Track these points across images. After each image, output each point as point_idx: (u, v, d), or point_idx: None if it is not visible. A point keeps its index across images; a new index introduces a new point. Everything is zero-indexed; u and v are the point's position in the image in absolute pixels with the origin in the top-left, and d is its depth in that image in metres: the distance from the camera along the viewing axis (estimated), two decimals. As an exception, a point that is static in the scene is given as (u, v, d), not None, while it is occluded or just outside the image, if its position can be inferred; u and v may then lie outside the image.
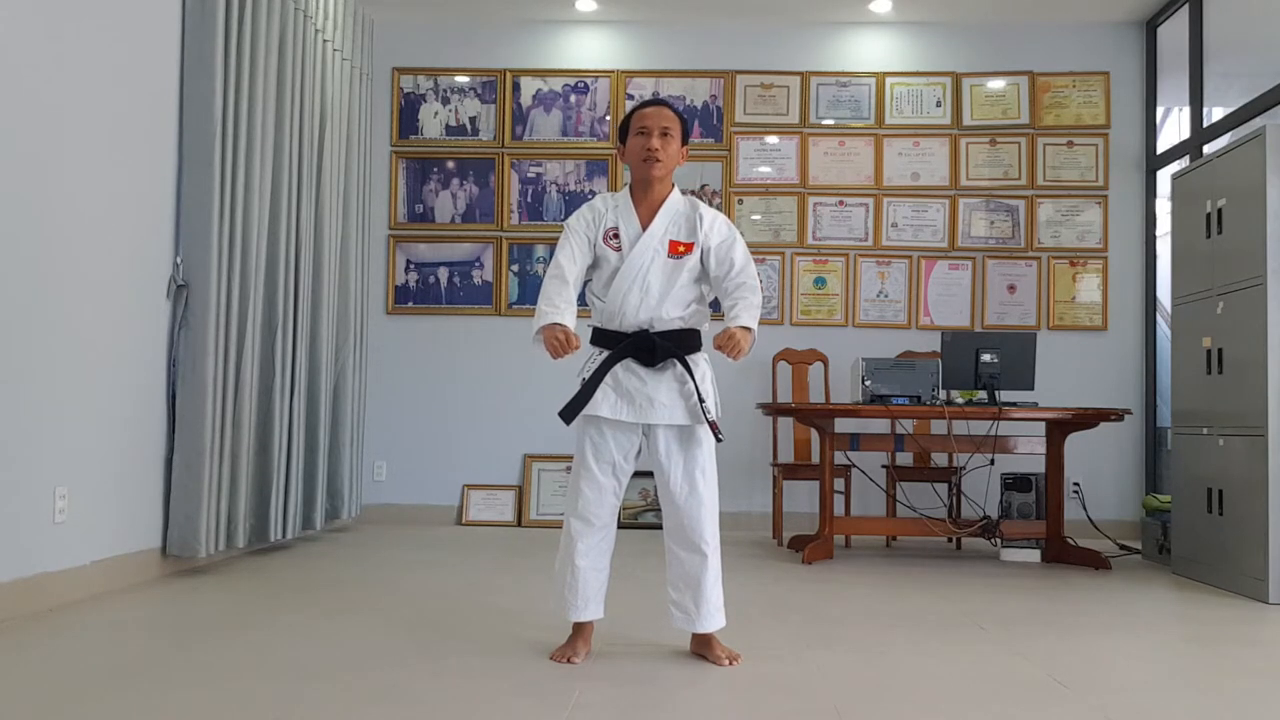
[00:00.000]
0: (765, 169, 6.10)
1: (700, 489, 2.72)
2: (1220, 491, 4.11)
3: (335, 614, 3.31)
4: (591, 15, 6.10)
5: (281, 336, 4.63)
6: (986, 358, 4.71)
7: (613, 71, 6.15)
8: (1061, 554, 4.73)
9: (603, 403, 2.68)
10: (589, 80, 6.16)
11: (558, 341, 2.59)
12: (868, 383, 4.74)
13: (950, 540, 5.31)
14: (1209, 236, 4.27)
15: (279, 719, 2.20)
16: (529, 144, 6.15)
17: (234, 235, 4.20)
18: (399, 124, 6.17)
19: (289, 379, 4.74)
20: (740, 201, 6.08)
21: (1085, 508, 5.39)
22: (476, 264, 6.11)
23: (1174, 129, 6.20)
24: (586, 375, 2.71)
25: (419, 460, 6.03)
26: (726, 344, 2.62)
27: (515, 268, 6.09)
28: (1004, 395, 4.78)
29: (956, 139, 6.06)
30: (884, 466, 5.43)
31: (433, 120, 6.18)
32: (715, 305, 2.81)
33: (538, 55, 6.19)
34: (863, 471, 5.35)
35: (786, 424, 5.73)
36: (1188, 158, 5.48)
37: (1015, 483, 5.20)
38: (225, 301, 4.15)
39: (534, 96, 6.16)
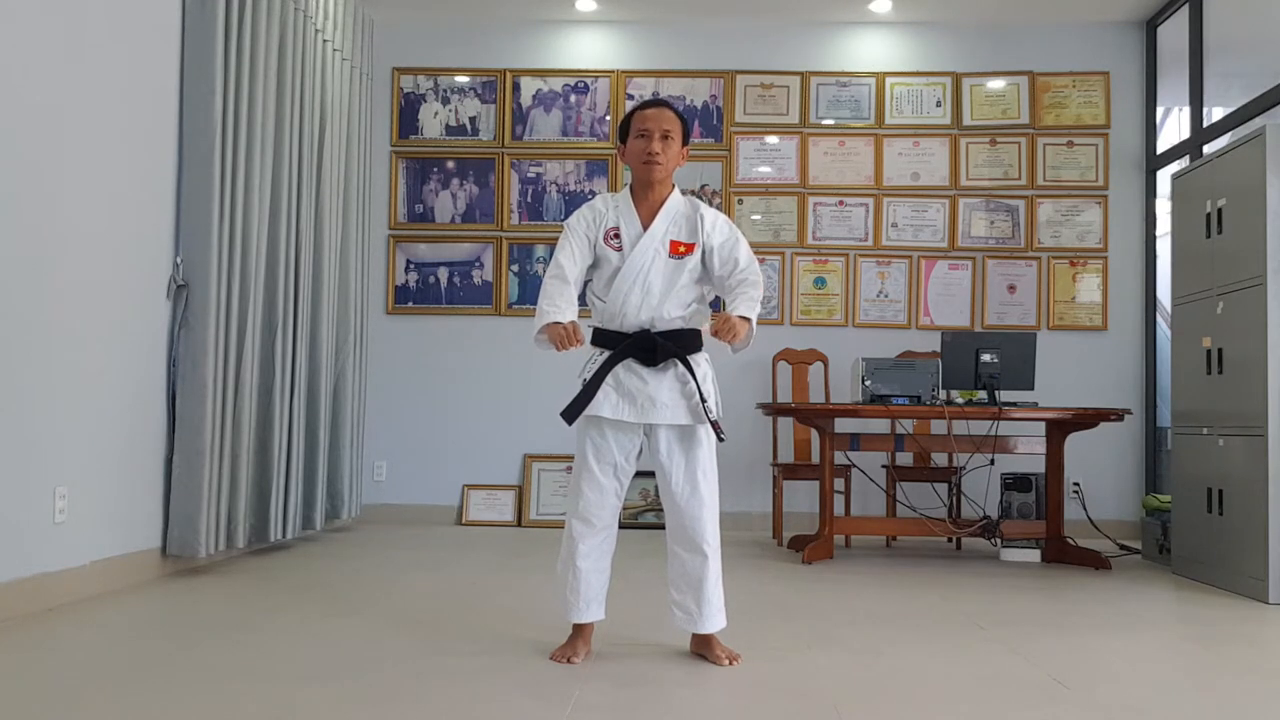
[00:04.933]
0: (765, 169, 6.10)
1: (702, 489, 2.72)
2: (1220, 491, 4.11)
3: (335, 614, 3.31)
4: (591, 15, 6.09)
5: (281, 336, 4.63)
6: (986, 358, 4.71)
7: (613, 71, 6.15)
8: (1061, 554, 4.73)
9: (604, 403, 2.68)
10: (589, 80, 6.16)
11: (565, 332, 2.60)
12: (868, 383, 4.74)
13: (950, 540, 5.31)
14: (1209, 236, 4.27)
15: (278, 719, 2.20)
16: (529, 144, 6.15)
17: (234, 235, 4.20)
18: (399, 124, 6.17)
19: (289, 379, 4.74)
20: (740, 201, 6.08)
21: (1085, 508, 5.39)
22: (476, 264, 6.11)
23: (1174, 129, 6.20)
24: (588, 376, 2.71)
25: (419, 460, 6.03)
26: (722, 327, 2.61)
27: (515, 268, 6.09)
28: (1004, 395, 4.78)
29: (956, 139, 6.06)
30: (884, 466, 5.43)
31: (433, 120, 6.18)
32: (716, 305, 2.81)
33: (538, 55, 6.19)
34: (863, 471, 5.35)
35: (786, 424, 5.73)
36: (1188, 158, 5.48)
37: (1015, 483, 5.20)
38: (225, 301, 4.15)
39: (534, 96, 6.16)
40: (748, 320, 2.65)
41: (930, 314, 6.01)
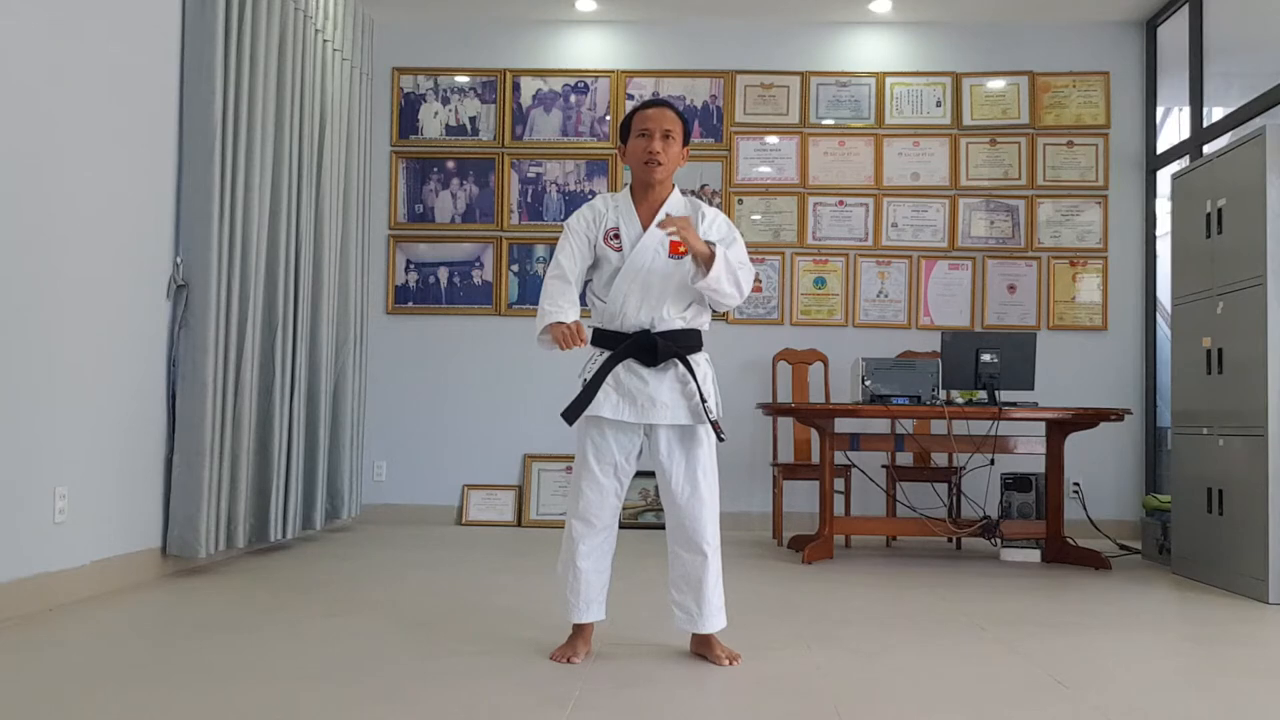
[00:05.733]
0: (765, 169, 6.10)
1: (702, 489, 2.72)
2: (1220, 491, 4.11)
3: (335, 614, 3.31)
4: (591, 15, 6.09)
5: (281, 336, 4.63)
6: (986, 358, 4.71)
7: (613, 71, 6.15)
8: (1061, 554, 4.73)
9: (604, 403, 2.68)
10: (589, 80, 6.16)
11: (568, 331, 2.59)
12: (868, 383, 4.74)
13: (950, 540, 5.31)
14: (1209, 236, 4.27)
15: (278, 719, 2.20)
16: (529, 144, 6.15)
17: (234, 235, 4.20)
18: (399, 124, 6.17)
19: (289, 379, 4.74)
20: (740, 201, 6.07)
21: (1085, 508, 5.38)
22: (476, 264, 6.11)
23: (1174, 129, 6.20)
24: (588, 376, 2.71)
25: (419, 460, 6.03)
26: (675, 218, 2.58)
27: (515, 268, 6.09)
28: (1004, 395, 4.78)
29: (956, 139, 6.06)
30: (884, 466, 5.43)
31: (433, 120, 6.18)
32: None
33: (538, 55, 6.19)
34: (863, 471, 5.35)
35: (786, 424, 5.73)
36: (1188, 158, 5.48)
37: (1015, 483, 5.20)
38: (225, 301, 4.15)
39: (534, 96, 6.16)
40: (711, 249, 2.62)
41: (930, 314, 6.00)
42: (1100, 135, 6.03)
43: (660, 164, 2.72)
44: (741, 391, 5.72)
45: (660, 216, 2.73)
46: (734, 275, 2.66)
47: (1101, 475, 5.83)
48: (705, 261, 2.62)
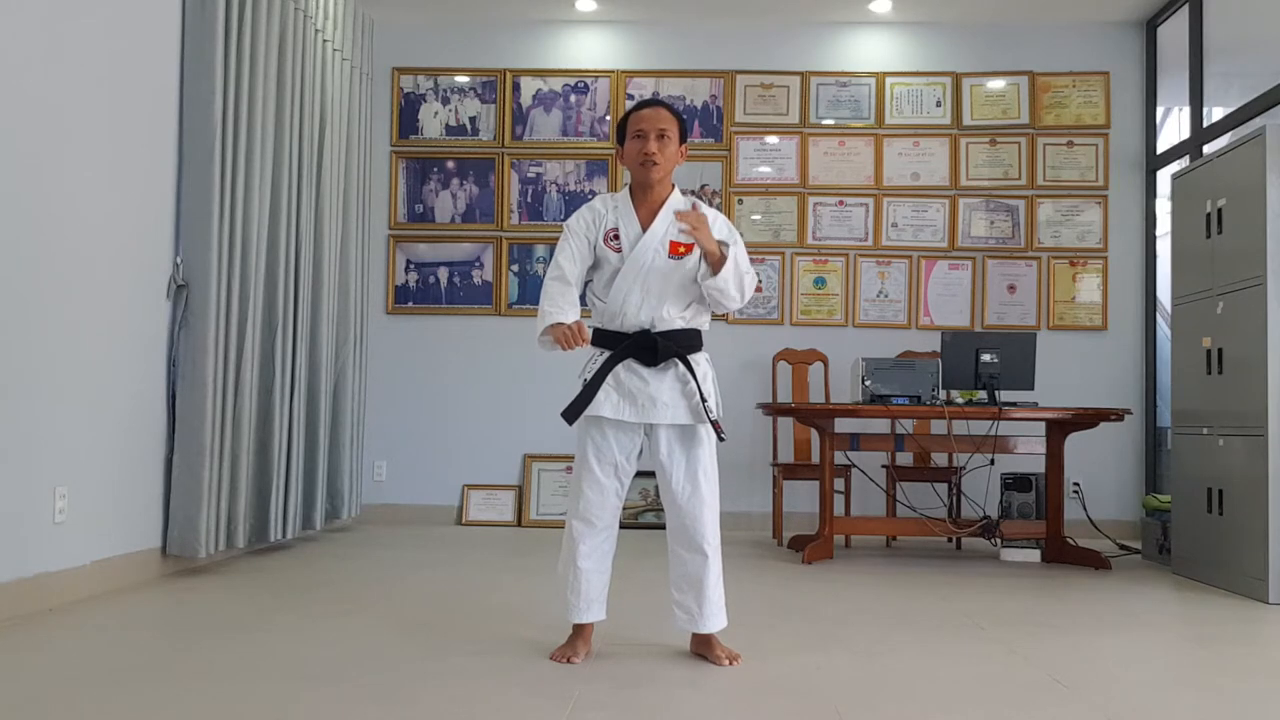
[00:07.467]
0: (765, 169, 6.10)
1: (702, 489, 2.72)
2: (1220, 491, 4.11)
3: (335, 614, 3.31)
4: (591, 15, 6.09)
5: (281, 336, 4.63)
6: (986, 358, 4.71)
7: (613, 71, 6.15)
8: (1061, 554, 4.73)
9: (605, 403, 2.68)
10: (589, 80, 6.16)
11: (569, 332, 2.59)
12: (868, 383, 4.74)
13: (950, 540, 5.31)
14: (1209, 236, 4.27)
15: (278, 719, 2.20)
16: (529, 144, 6.15)
17: (234, 235, 4.20)
18: (399, 124, 6.17)
19: (289, 379, 4.74)
20: (740, 201, 6.07)
21: (1085, 508, 5.38)
22: (476, 264, 6.11)
23: (1174, 129, 6.20)
24: (588, 376, 2.71)
25: (419, 460, 6.03)
26: (694, 214, 2.60)
27: (515, 268, 6.09)
28: (1004, 395, 4.78)
29: (956, 139, 6.06)
30: (884, 466, 5.43)
31: (433, 120, 6.18)
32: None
33: (538, 55, 6.19)
34: (863, 471, 5.34)
35: (786, 424, 5.73)
36: (1188, 158, 5.48)
37: (1015, 483, 5.20)
38: (225, 301, 4.15)
39: (534, 96, 6.16)
40: (725, 247, 2.65)
41: (930, 314, 6.00)
42: (1100, 135, 6.03)
43: (657, 164, 2.72)
44: (741, 391, 5.72)
45: (661, 220, 2.73)
46: (740, 279, 2.69)
47: (1101, 475, 5.83)
48: (715, 263, 2.64)
